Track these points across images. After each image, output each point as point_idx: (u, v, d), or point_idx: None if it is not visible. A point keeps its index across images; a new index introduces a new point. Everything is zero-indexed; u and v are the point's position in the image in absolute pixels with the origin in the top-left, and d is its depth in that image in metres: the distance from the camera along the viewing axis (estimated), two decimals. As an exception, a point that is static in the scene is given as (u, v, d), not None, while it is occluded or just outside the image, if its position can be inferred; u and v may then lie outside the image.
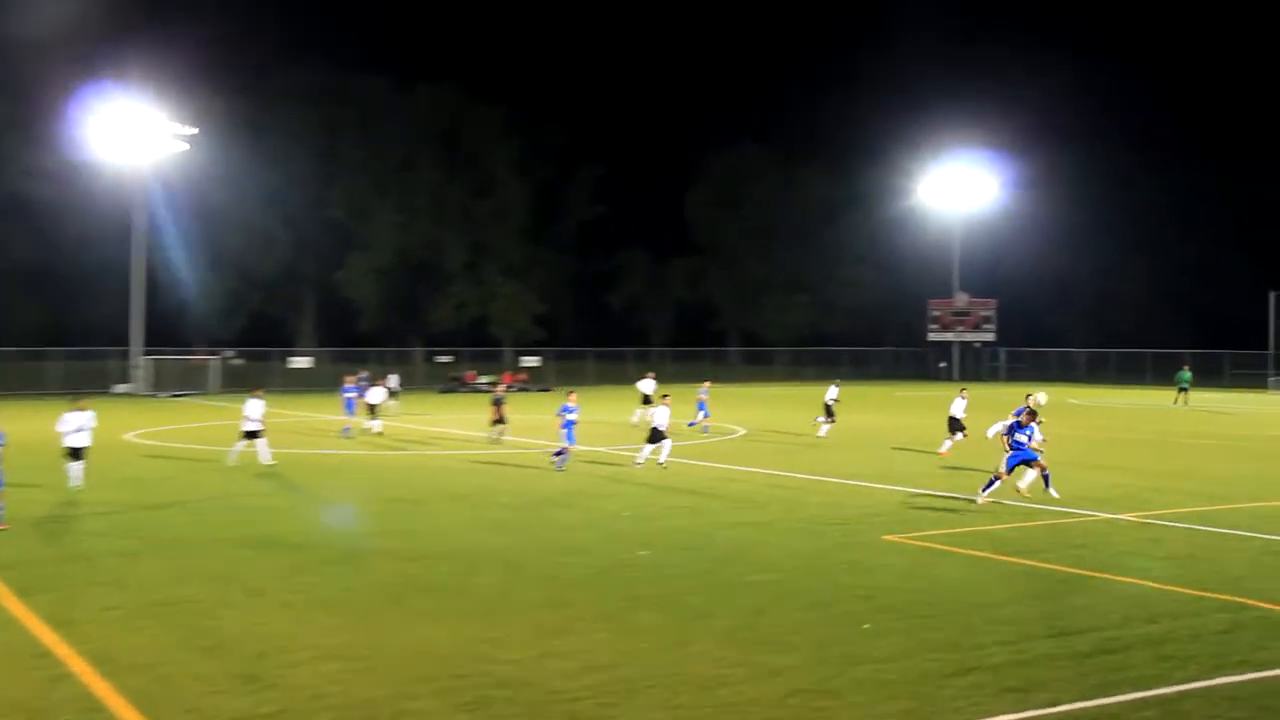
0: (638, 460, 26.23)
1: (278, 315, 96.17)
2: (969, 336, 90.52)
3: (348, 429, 35.05)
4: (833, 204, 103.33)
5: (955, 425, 30.32)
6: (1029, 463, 20.76)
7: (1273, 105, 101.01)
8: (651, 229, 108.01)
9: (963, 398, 31.26)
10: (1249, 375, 72.77)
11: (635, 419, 38.83)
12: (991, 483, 20.62)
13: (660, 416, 26.37)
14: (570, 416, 25.84)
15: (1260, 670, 10.72)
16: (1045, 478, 20.85)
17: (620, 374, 74.81)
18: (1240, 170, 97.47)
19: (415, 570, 15.06)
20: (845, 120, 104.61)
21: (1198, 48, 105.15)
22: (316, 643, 11.53)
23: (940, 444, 30.02)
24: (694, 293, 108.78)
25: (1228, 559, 16.03)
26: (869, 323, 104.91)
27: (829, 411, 35.60)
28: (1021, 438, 20.68)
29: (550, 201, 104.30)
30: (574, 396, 26.64)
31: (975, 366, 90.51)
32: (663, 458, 26.11)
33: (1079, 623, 12.38)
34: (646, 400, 39.40)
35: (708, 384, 38.25)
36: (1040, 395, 24.20)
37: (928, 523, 18.90)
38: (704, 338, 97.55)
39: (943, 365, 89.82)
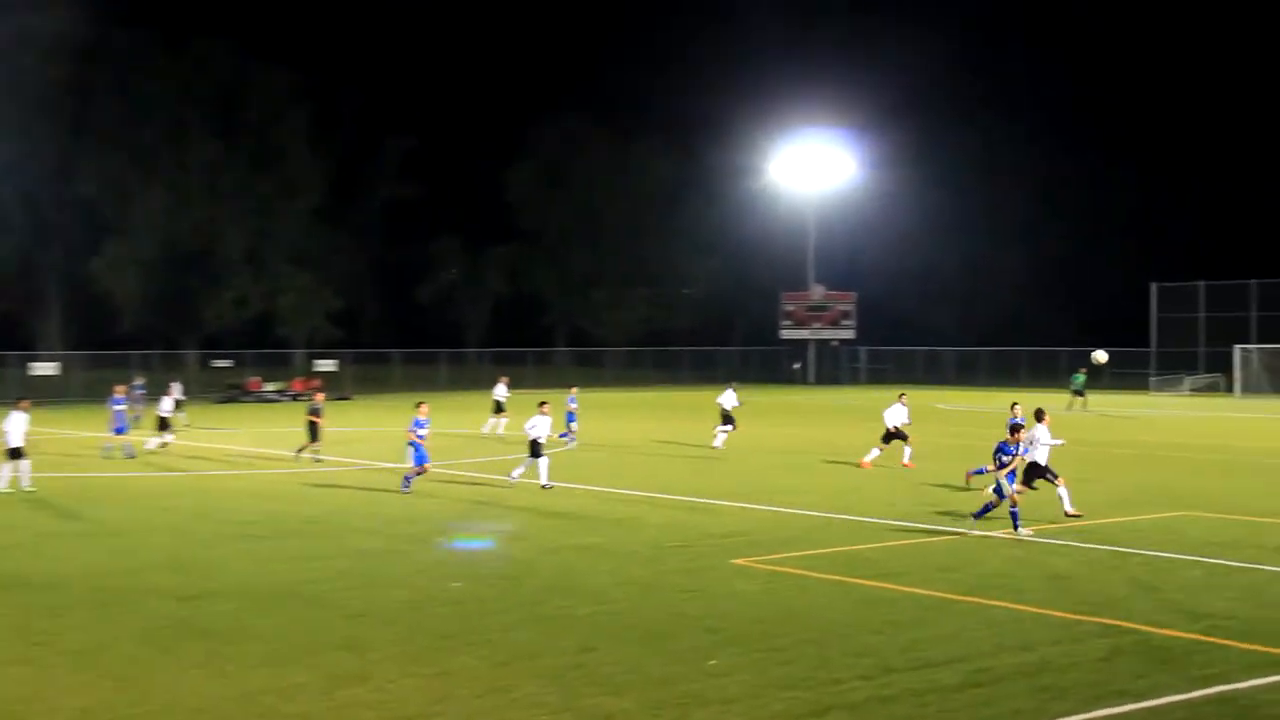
0: (543, 484, 25.80)
1: (15, 313, 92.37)
2: (826, 334, 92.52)
3: (113, 446, 33.80)
4: (674, 185, 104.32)
5: (892, 435, 30.66)
6: (1046, 479, 21.36)
7: (1155, 88, 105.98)
8: (468, 213, 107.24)
9: (902, 404, 31.32)
10: (1130, 375, 76.04)
11: (487, 429, 39.29)
12: (1013, 516, 19.87)
13: (539, 428, 26.14)
14: (422, 432, 25.65)
15: (1140, 700, 11.19)
16: (1013, 514, 19.99)
17: (431, 378, 74.21)
18: (1120, 152, 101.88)
19: (190, 612, 14.66)
20: (688, 91, 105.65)
21: (1077, 24, 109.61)
22: (63, 703, 11.11)
23: (868, 451, 30.74)
24: (516, 285, 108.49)
25: (1107, 578, 16.72)
26: (714, 319, 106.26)
27: (728, 419, 36.06)
28: (1010, 459, 20.28)
29: (350, 179, 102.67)
30: (425, 408, 26.37)
31: (833, 368, 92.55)
32: (516, 474, 25.91)
33: (946, 652, 12.74)
34: (499, 409, 39.58)
35: (575, 390, 38.79)
36: (1100, 353, 23.95)
37: (779, 544, 19.22)
38: (527, 336, 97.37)
39: (796, 366, 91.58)
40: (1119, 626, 13.83)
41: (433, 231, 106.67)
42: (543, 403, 26.94)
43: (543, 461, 25.88)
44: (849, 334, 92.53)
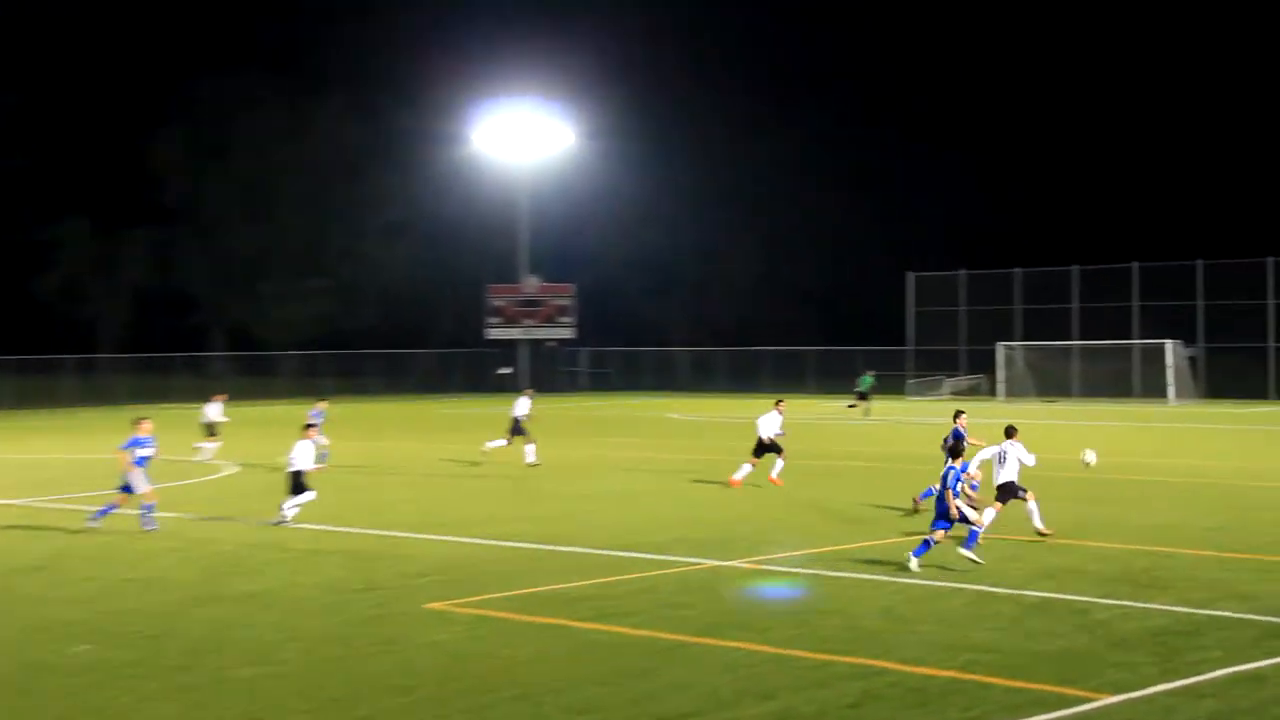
0: (284, 518, 24.92)
1: None
2: (541, 333, 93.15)
3: None
4: (360, 154, 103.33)
5: (764, 447, 31.13)
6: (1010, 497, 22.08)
7: (907, 59, 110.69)
8: (99, 187, 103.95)
9: (779, 412, 31.90)
10: (885, 377, 78.77)
11: (206, 456, 38.94)
12: (971, 535, 20.08)
13: (302, 456, 25.23)
14: (143, 453, 24.59)
15: (896, 749, 11.58)
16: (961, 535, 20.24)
17: (50, 392, 71.41)
18: (871, 128, 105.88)
19: None
20: (376, 44, 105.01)
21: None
22: None
23: (738, 468, 31.01)
24: (161, 276, 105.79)
25: (858, 610, 17.24)
26: (408, 317, 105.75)
27: (519, 428, 36.51)
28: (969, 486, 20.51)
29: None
30: (148, 425, 25.16)
31: (549, 372, 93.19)
32: (290, 510, 25.10)
33: (679, 704, 12.90)
34: (212, 431, 39.60)
35: (324, 404, 38.74)
36: (1089, 454, 24.61)
37: (484, 583, 19.17)
38: (175, 338, 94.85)
39: (505, 371, 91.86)
40: (871, 666, 14.25)
41: (53, 210, 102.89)
42: (309, 425, 26.71)
43: (307, 495, 25.12)
44: (567, 333, 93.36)
